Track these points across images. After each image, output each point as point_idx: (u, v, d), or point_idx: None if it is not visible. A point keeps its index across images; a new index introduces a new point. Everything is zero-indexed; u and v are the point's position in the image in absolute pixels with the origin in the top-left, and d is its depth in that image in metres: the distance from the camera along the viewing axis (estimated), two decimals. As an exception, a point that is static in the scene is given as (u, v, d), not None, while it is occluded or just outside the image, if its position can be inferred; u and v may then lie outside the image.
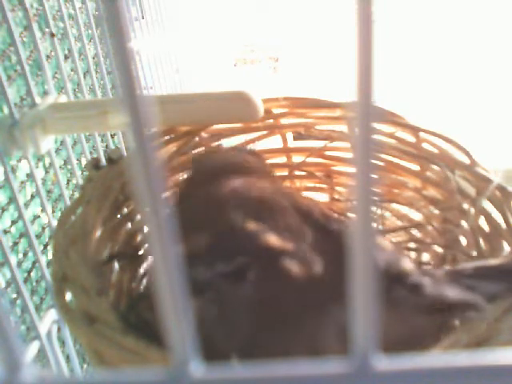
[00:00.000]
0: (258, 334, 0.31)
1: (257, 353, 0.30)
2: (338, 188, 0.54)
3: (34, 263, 0.53)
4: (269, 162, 0.52)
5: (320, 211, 0.36)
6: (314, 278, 0.30)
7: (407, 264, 0.33)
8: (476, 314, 0.30)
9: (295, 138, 0.55)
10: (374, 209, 0.13)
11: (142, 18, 0.73)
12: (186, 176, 0.45)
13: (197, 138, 0.50)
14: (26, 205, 0.52)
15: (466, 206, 0.43)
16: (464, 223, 0.43)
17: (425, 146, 0.47)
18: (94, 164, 0.44)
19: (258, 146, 0.53)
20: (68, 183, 0.61)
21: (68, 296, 0.32)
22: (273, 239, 0.32)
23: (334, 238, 0.34)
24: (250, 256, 0.32)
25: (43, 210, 0.47)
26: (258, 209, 0.35)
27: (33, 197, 0.54)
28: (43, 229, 0.55)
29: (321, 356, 0.29)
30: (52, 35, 0.49)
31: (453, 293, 0.32)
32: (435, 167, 0.47)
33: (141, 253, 0.44)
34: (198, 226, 0.35)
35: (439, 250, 0.47)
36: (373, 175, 0.13)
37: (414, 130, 0.47)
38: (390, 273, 0.32)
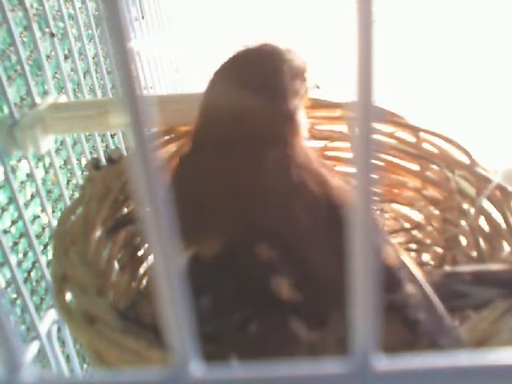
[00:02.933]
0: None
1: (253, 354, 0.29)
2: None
3: (34, 263, 0.53)
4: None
5: (330, 205, 0.33)
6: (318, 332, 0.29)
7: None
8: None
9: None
10: (374, 209, 0.13)
11: (142, 17, 0.73)
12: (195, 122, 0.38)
13: (197, 138, 0.50)
14: (26, 205, 0.52)
15: (465, 206, 0.43)
16: (464, 223, 0.43)
17: (425, 146, 0.47)
18: (94, 164, 0.44)
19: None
20: (68, 183, 0.61)
21: (68, 296, 0.32)
22: (284, 290, 0.30)
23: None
24: (254, 303, 0.30)
25: (43, 210, 0.47)
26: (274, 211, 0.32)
27: (33, 197, 0.54)
28: (43, 229, 0.55)
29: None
30: (52, 35, 0.49)
31: (427, 319, 0.30)
32: (435, 167, 0.47)
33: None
34: (210, 217, 0.33)
35: (439, 250, 0.47)
36: (373, 175, 0.13)
37: (414, 130, 0.47)
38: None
